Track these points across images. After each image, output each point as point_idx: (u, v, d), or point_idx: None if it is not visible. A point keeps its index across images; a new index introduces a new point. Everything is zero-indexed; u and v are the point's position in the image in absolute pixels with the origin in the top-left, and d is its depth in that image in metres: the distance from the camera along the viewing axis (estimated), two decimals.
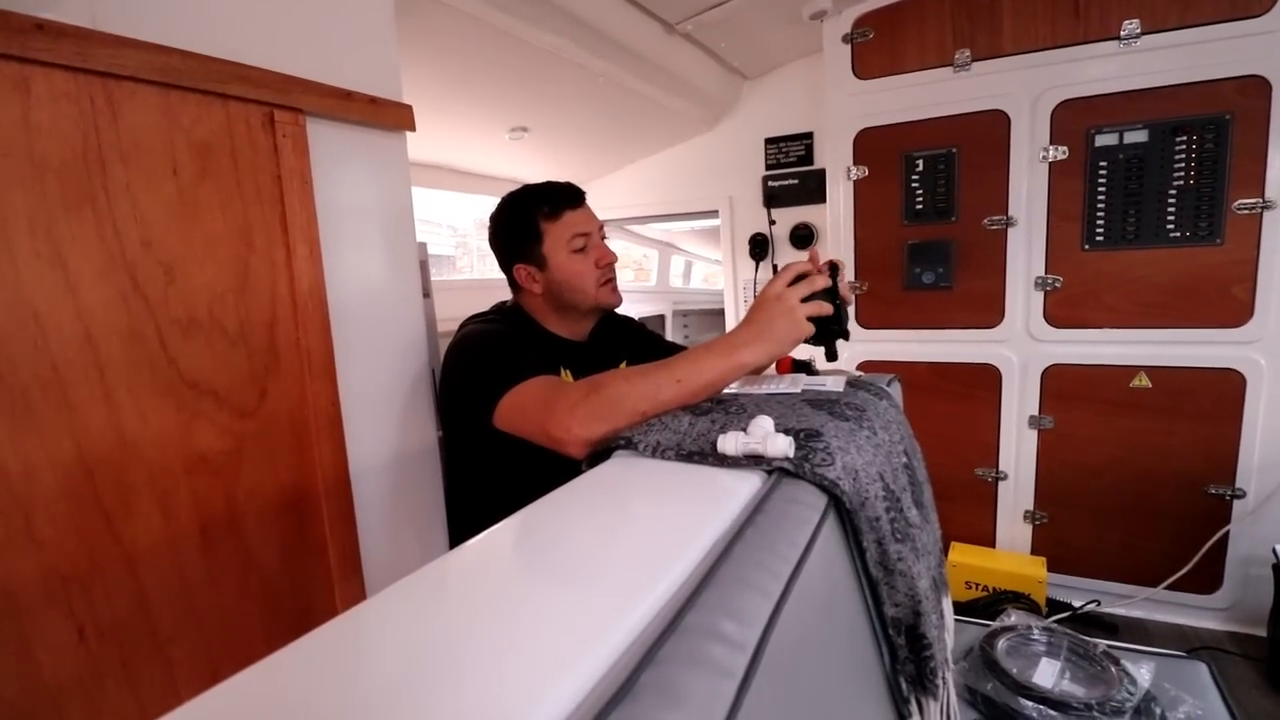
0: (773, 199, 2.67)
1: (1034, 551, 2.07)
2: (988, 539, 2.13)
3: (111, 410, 0.72)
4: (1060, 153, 1.88)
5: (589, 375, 0.89)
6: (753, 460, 0.63)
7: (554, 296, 1.16)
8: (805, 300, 0.85)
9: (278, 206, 0.87)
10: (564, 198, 1.14)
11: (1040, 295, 1.96)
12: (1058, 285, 1.93)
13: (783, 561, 0.47)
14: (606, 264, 1.16)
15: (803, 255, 2.63)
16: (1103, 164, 1.85)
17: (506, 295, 1.25)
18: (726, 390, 0.90)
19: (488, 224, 1.21)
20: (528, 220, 1.14)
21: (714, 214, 2.88)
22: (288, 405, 0.89)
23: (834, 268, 0.90)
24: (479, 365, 0.99)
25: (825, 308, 0.86)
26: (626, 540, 0.51)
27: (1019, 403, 2.03)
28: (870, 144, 2.13)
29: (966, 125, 1.99)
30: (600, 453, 0.76)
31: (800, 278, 0.87)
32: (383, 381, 1.05)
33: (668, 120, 2.61)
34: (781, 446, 0.62)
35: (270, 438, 0.87)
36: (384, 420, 1.05)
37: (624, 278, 5.24)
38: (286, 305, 0.89)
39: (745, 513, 0.54)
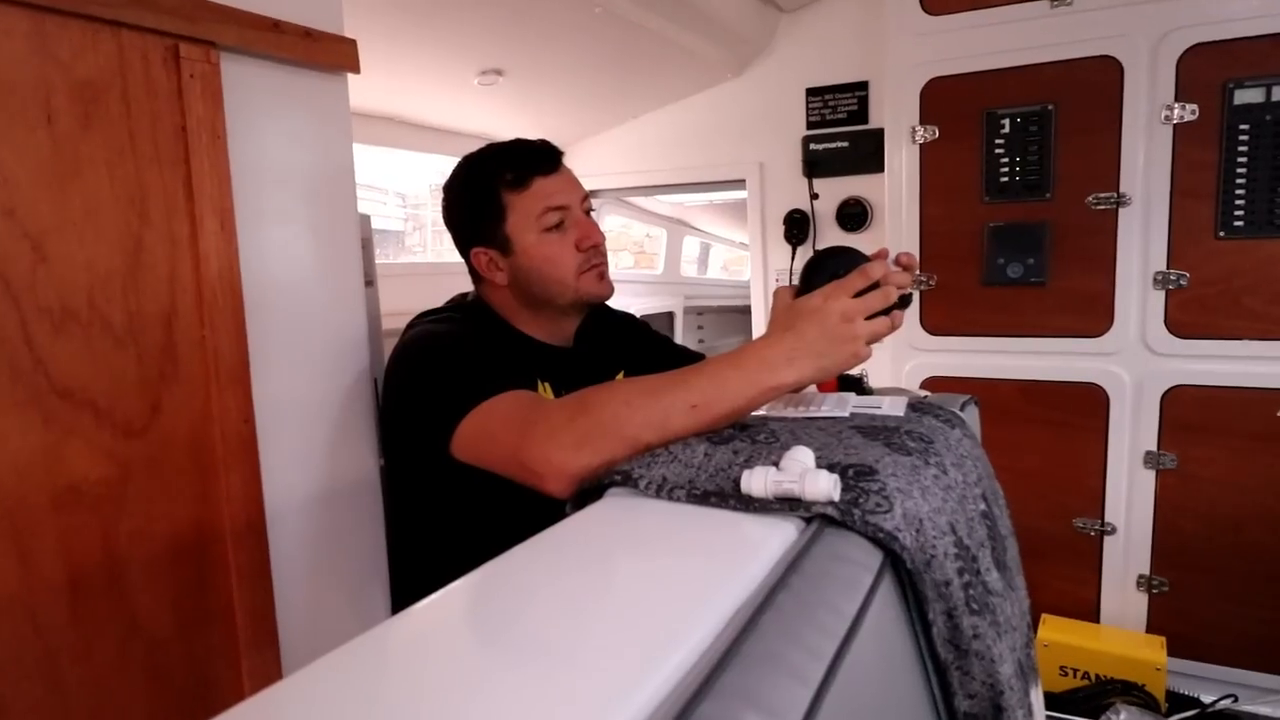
0: (816, 166, 2.68)
1: (1150, 629, 2.06)
2: (1090, 611, 2.13)
3: None
4: (1188, 112, 1.89)
5: (575, 390, 0.89)
6: (787, 504, 0.63)
7: (523, 289, 1.17)
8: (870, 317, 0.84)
9: (181, 167, 0.88)
10: (533, 161, 1.14)
11: (1160, 296, 1.96)
12: (1183, 283, 1.93)
13: (825, 637, 0.47)
14: (591, 245, 1.16)
15: (851, 240, 2.63)
16: (1244, 127, 1.85)
17: (468, 282, 1.26)
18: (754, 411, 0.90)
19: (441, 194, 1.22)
20: (486, 191, 1.14)
21: (739, 184, 2.89)
22: (188, 422, 0.89)
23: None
24: (433, 377, 0.99)
25: (888, 324, 0.85)
26: (622, 606, 0.50)
27: (1131, 434, 2.03)
28: (942, 98, 2.14)
29: (1066, 75, 2.00)
30: (589, 490, 0.76)
31: (869, 286, 0.84)
32: (311, 394, 1.05)
33: (681, 64, 2.62)
34: (824, 487, 0.62)
35: (164, 464, 0.87)
36: (311, 444, 1.05)
37: (621, 264, 5.27)
38: (190, 294, 0.89)
39: (777, 572, 0.53)
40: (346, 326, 1.10)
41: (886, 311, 0.85)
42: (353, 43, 1.06)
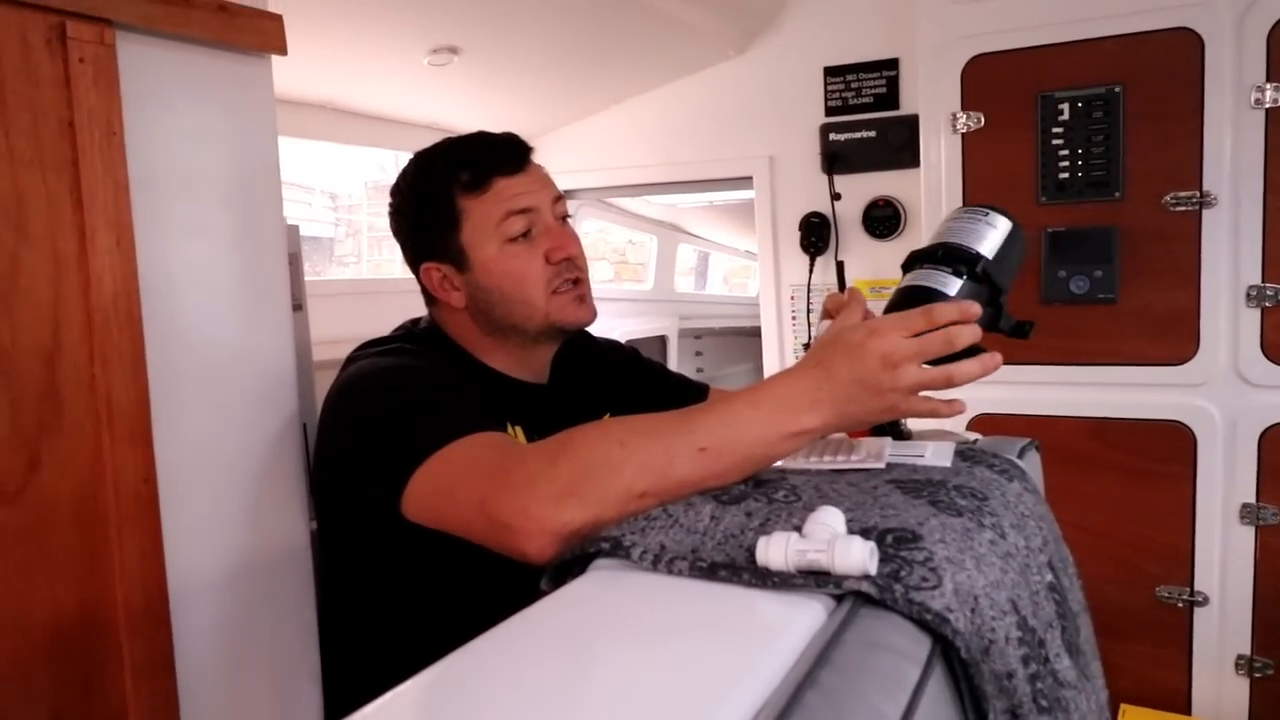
0: (837, 161, 2.71)
1: None
2: (1178, 700, 2.12)
3: None
4: None
5: (553, 434, 0.89)
6: (813, 578, 0.63)
7: (484, 312, 1.17)
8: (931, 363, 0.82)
9: (68, 170, 0.87)
10: (494, 158, 1.15)
11: (1255, 314, 1.98)
12: None
13: None
14: (564, 258, 1.17)
15: (884, 248, 2.63)
16: None
17: (418, 304, 1.26)
18: None
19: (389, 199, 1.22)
20: (438, 195, 1.15)
21: (745, 182, 2.91)
22: (73, 482, 0.88)
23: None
24: (378, 419, 0.99)
25: (961, 374, 0.84)
26: (611, 710, 0.50)
27: (1225, 483, 2.04)
28: (988, 78, 2.17)
29: (1136, 51, 2.03)
30: (570, 561, 0.76)
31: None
32: (227, 445, 1.04)
33: (674, 39, 2.65)
34: (858, 558, 0.62)
35: (42, 534, 0.86)
36: (227, 506, 1.04)
37: (598, 276, 5.28)
38: (77, 324, 0.88)
39: (803, 665, 0.53)
40: (271, 361, 1.09)
41: (948, 360, 0.84)
42: (278, 18, 1.07)
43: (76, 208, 0.88)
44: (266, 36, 1.06)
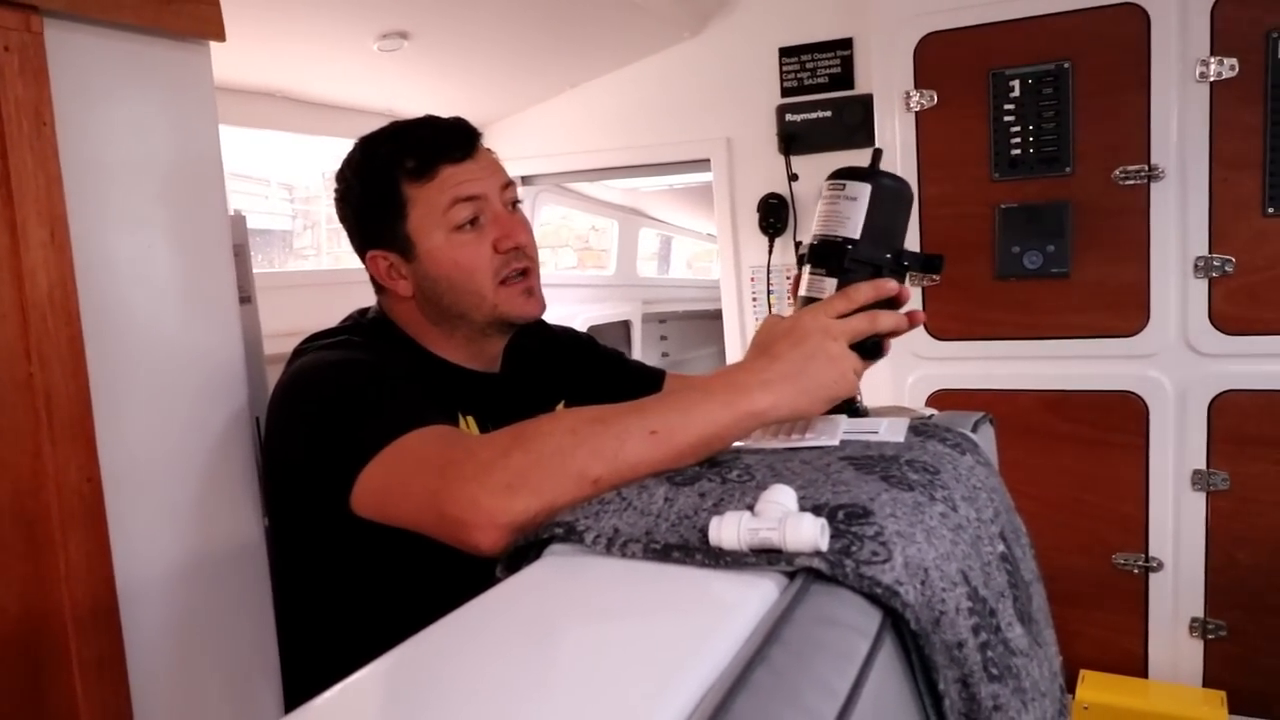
0: (793, 141, 2.72)
1: (1207, 682, 2.11)
2: (1135, 664, 2.16)
3: None
4: (1227, 68, 1.95)
5: (506, 425, 0.88)
6: (765, 556, 0.63)
7: (431, 301, 1.17)
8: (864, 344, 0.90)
9: None
10: (441, 144, 1.14)
11: (1203, 285, 2.02)
12: (1229, 270, 1.99)
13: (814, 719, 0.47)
14: (512, 246, 1.16)
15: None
16: None
17: (369, 295, 1.25)
18: None
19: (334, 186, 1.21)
20: (383, 182, 1.14)
21: (703, 165, 2.91)
22: (11, 485, 0.87)
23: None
24: (326, 414, 0.98)
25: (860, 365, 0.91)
26: (565, 691, 0.50)
27: (1176, 451, 2.08)
28: (940, 56, 2.18)
29: (1084, 27, 2.05)
30: (524, 548, 0.76)
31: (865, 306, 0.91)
32: (173, 441, 1.03)
33: (627, 21, 2.63)
34: (809, 534, 0.62)
35: None
36: (175, 504, 1.03)
37: (562, 264, 5.27)
38: (11, 321, 0.87)
39: (754, 642, 0.53)
40: (217, 355, 1.08)
41: (867, 351, 0.91)
42: (215, 3, 1.05)
43: (6, 202, 0.86)
44: (203, 22, 1.04)
